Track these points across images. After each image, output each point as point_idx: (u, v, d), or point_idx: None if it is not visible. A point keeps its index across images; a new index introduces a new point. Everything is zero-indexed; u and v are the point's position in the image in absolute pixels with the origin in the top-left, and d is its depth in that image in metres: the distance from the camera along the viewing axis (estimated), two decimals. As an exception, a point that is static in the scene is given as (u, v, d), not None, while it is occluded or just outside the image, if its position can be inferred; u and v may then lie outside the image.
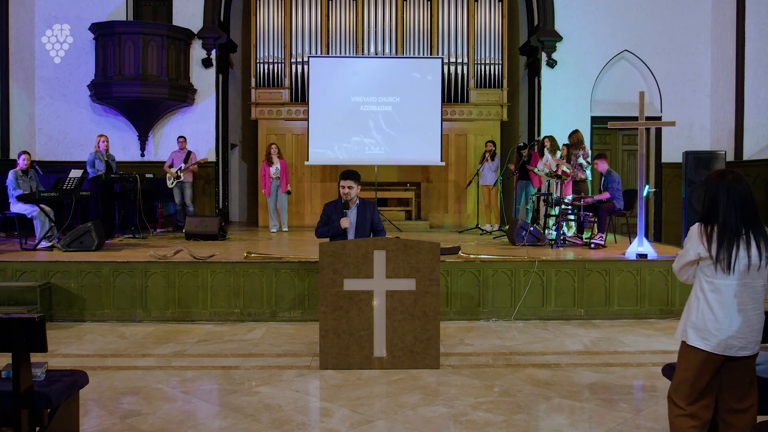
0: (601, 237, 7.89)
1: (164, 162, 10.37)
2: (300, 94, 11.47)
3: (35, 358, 3.10)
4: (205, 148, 11.04)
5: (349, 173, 5.48)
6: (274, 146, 10.08)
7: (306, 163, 11.14)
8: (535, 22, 11.61)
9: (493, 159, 10.52)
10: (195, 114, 11.18)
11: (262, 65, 11.52)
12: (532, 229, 7.89)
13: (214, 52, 11.20)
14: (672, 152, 11.12)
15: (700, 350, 2.79)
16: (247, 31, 12.24)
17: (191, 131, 10.88)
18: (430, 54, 11.49)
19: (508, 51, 11.80)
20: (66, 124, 10.98)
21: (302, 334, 5.84)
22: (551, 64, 11.19)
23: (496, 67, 11.58)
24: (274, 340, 5.62)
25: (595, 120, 11.21)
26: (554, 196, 8.57)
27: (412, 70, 11.05)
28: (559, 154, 9.37)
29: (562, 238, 7.91)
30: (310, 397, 4.22)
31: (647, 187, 7.60)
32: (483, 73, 11.59)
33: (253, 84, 11.57)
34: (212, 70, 11.24)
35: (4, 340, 2.91)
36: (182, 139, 10.39)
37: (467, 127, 11.70)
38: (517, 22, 12.71)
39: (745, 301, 2.74)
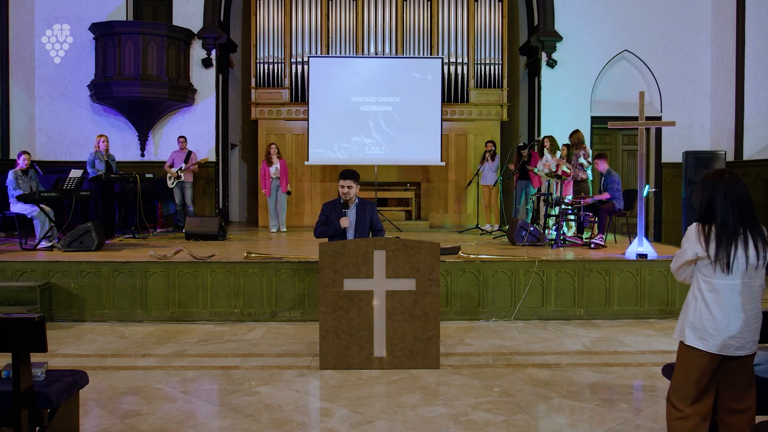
0: (601, 237, 7.89)
1: (164, 162, 10.37)
2: (300, 94, 11.47)
3: (35, 358, 3.10)
4: (205, 148, 11.04)
5: (349, 173, 5.48)
6: (273, 146, 10.07)
7: (306, 163, 11.14)
8: (535, 22, 11.61)
9: (493, 159, 10.52)
10: (195, 114, 11.19)
11: (262, 65, 11.53)
12: (532, 229, 7.89)
13: (214, 52, 11.21)
14: (672, 152, 11.13)
15: (697, 350, 2.79)
16: (247, 31, 12.24)
17: (191, 131, 10.88)
18: (430, 54, 11.49)
19: (508, 51, 11.80)
20: (66, 124, 10.98)
21: (302, 334, 5.84)
22: (551, 64, 11.19)
23: (496, 67, 11.59)
24: (274, 340, 5.62)
25: (595, 120, 11.21)
26: (554, 196, 8.56)
27: (412, 70, 11.05)
28: (558, 154, 9.37)
29: (562, 238, 7.91)
30: (310, 397, 4.22)
31: (647, 187, 7.61)
32: (483, 73, 11.59)
33: (253, 84, 11.57)
34: (212, 70, 11.24)
35: (4, 340, 2.91)
36: (183, 139, 10.39)
37: (467, 127, 11.70)
38: (517, 22, 12.71)
39: (743, 300, 2.74)
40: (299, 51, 11.49)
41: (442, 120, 11.06)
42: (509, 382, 4.45)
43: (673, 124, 7.73)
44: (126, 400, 4.10)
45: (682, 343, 2.87)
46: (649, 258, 6.63)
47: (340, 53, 11.46)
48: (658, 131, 11.33)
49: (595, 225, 8.18)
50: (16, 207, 7.74)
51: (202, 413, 3.91)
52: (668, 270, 6.42)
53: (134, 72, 10.38)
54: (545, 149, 9.55)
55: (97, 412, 3.89)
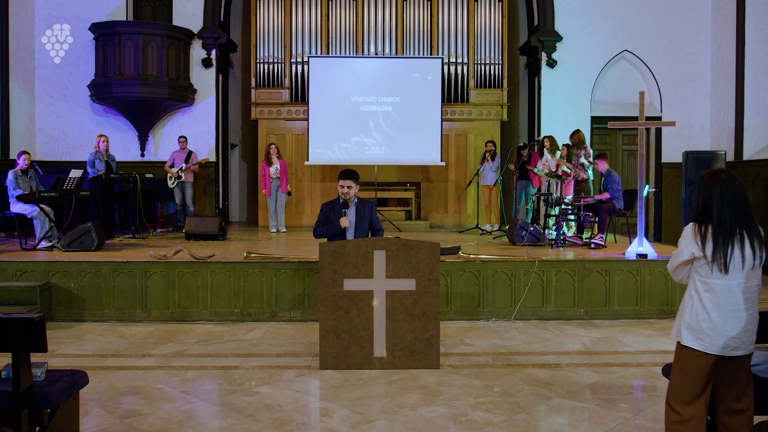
0: (601, 237, 7.89)
1: (164, 162, 10.37)
2: (300, 94, 11.47)
3: (35, 358, 3.10)
4: (205, 148, 11.04)
5: (348, 173, 5.48)
6: (273, 146, 10.07)
7: (306, 163, 11.15)
8: (535, 22, 11.61)
9: (493, 159, 10.53)
10: (195, 114, 11.18)
11: (262, 65, 11.53)
12: (532, 229, 7.89)
13: (214, 52, 11.20)
14: (672, 152, 11.12)
15: (694, 350, 2.79)
16: (247, 31, 12.24)
17: (191, 131, 10.88)
18: (430, 54, 11.49)
19: (508, 51, 11.80)
20: (66, 124, 10.98)
21: (302, 334, 5.84)
22: (551, 64, 11.19)
23: (496, 67, 11.59)
24: (274, 340, 5.62)
25: (595, 120, 11.21)
26: (554, 196, 8.56)
27: (412, 70, 11.05)
28: (558, 154, 9.37)
29: (562, 238, 7.91)
30: (310, 397, 4.22)
31: (647, 187, 7.61)
32: (483, 73, 11.59)
33: (253, 84, 11.57)
34: (212, 70, 11.24)
35: (4, 340, 2.91)
36: (183, 139, 10.40)
37: (467, 127, 11.70)
38: (517, 22, 12.71)
39: (739, 301, 2.74)
40: (299, 51, 11.49)
41: (442, 120, 11.06)
42: (509, 382, 4.45)
43: (673, 124, 7.73)
44: (126, 400, 4.10)
45: (679, 343, 2.87)
46: (649, 258, 6.63)
47: (340, 53, 11.46)
48: (658, 131, 11.33)
49: (595, 225, 8.18)
50: (16, 207, 7.74)
51: (202, 413, 3.91)
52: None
53: (134, 72, 10.38)
54: (545, 149, 9.56)
55: (97, 412, 3.89)
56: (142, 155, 11.03)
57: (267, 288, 6.37)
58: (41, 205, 7.66)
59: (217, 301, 6.38)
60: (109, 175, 8.73)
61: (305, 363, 4.91)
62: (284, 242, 8.75)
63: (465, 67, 11.56)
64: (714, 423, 2.93)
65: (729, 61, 10.50)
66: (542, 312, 6.45)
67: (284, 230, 10.15)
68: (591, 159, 9.00)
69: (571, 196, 8.59)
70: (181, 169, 10.10)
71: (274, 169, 9.96)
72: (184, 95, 10.88)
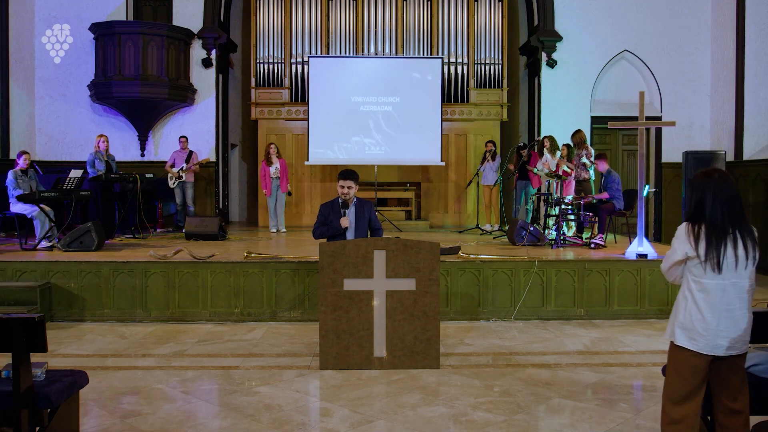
0: (601, 237, 7.89)
1: (164, 162, 10.37)
2: (300, 94, 11.47)
3: (35, 358, 3.10)
4: (205, 148, 11.03)
5: (348, 173, 5.48)
6: (273, 146, 10.07)
7: (306, 163, 11.15)
8: (535, 22, 11.61)
9: (493, 159, 10.53)
10: (195, 114, 11.18)
11: (262, 65, 11.53)
12: (532, 229, 7.89)
13: (214, 52, 11.20)
14: (672, 152, 11.12)
15: (687, 350, 2.80)
16: (247, 31, 12.24)
17: (191, 131, 10.87)
18: (430, 54, 11.49)
19: (508, 51, 11.80)
20: (66, 124, 10.98)
21: (302, 334, 5.84)
22: (551, 64, 11.19)
23: (496, 67, 11.59)
24: (274, 340, 5.62)
25: (595, 120, 11.21)
26: (554, 196, 8.57)
27: (412, 70, 11.05)
28: (558, 154, 9.37)
29: (562, 238, 7.91)
30: (310, 397, 4.22)
31: (647, 187, 7.61)
32: (483, 73, 11.59)
33: (253, 84, 11.57)
34: (212, 70, 11.24)
35: (4, 340, 2.91)
36: (184, 139, 10.40)
37: (467, 127, 11.70)
38: (517, 22, 12.71)
39: (732, 300, 2.74)
40: (299, 51, 11.49)
41: (442, 120, 11.06)
42: (509, 382, 4.45)
43: (673, 124, 7.73)
44: (126, 400, 4.10)
45: (672, 343, 2.87)
46: (649, 258, 6.63)
47: (340, 53, 11.46)
48: (658, 131, 11.32)
49: (595, 225, 8.19)
50: (16, 207, 7.74)
51: (202, 413, 3.91)
52: (668, 270, 6.41)
53: (134, 72, 10.38)
54: (545, 149, 9.55)
55: (97, 412, 3.89)
56: (142, 155, 11.03)
57: (267, 288, 6.37)
58: (41, 205, 7.66)
59: (217, 301, 6.38)
60: (109, 175, 8.73)
61: (305, 363, 4.91)
62: (284, 242, 8.75)
63: (465, 67, 11.56)
64: (713, 424, 2.93)
65: (729, 61, 10.50)
66: (542, 312, 6.45)
67: (284, 230, 10.15)
68: (592, 159, 9.00)
69: (571, 196, 8.58)
70: (181, 169, 10.10)
71: (274, 168, 9.96)
72: (184, 95, 10.88)
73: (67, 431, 3.24)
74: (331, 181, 11.47)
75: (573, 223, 8.52)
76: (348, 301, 4.73)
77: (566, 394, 4.24)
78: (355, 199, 5.53)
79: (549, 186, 9.03)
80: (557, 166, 9.10)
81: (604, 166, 8.37)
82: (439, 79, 10.98)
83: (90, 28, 10.62)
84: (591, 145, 11.02)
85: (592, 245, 7.57)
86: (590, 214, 8.04)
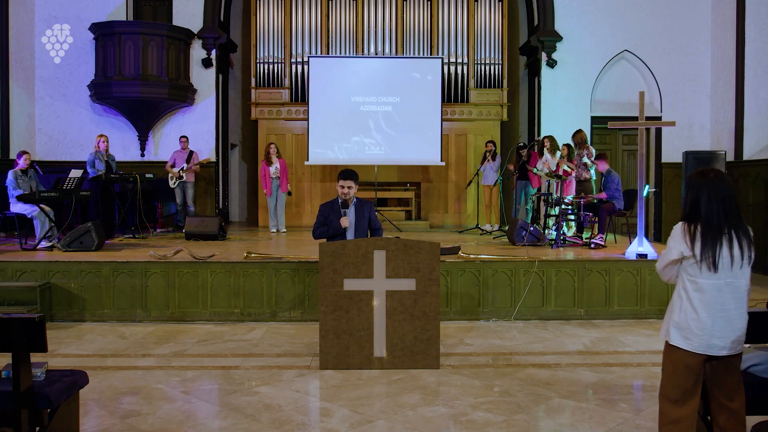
0: (601, 237, 7.89)
1: (164, 162, 10.37)
2: (300, 94, 11.47)
3: (35, 358, 3.10)
4: (205, 148, 11.03)
5: (348, 173, 5.48)
6: (272, 146, 10.07)
7: (306, 163, 11.15)
8: (535, 22, 11.61)
9: (494, 159, 10.52)
10: (195, 114, 11.18)
11: (262, 65, 11.53)
12: (532, 229, 7.89)
13: (214, 52, 11.20)
14: (672, 152, 11.12)
15: (681, 350, 2.80)
16: (247, 31, 12.24)
17: (191, 131, 10.87)
18: (430, 54, 11.49)
19: (508, 51, 11.80)
20: (66, 124, 10.98)
21: (302, 334, 5.84)
22: (551, 64, 11.19)
23: (496, 67, 11.59)
24: (274, 340, 5.62)
25: (595, 120, 11.20)
26: (554, 196, 8.57)
27: (412, 70, 11.05)
28: (558, 154, 9.37)
29: (562, 238, 7.91)
30: (310, 397, 4.22)
31: (647, 187, 7.61)
32: (483, 73, 11.59)
33: (253, 84, 11.57)
34: (212, 70, 11.24)
35: (4, 340, 2.91)
36: (184, 139, 10.40)
37: (467, 127, 11.70)
38: (517, 22, 12.71)
39: (728, 300, 2.74)
40: (299, 51, 11.49)
41: (442, 120, 11.06)
42: (509, 382, 4.45)
43: (673, 124, 7.73)
44: (126, 400, 4.10)
45: (667, 343, 2.88)
46: (649, 258, 6.62)
47: (340, 53, 11.46)
48: (658, 131, 11.32)
49: (595, 225, 8.19)
50: (16, 207, 7.74)
51: (202, 413, 3.91)
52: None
53: (134, 72, 10.38)
54: (545, 149, 9.56)
55: (97, 412, 3.89)
56: (142, 155, 11.03)
57: (267, 288, 6.37)
58: (41, 205, 7.66)
59: (217, 301, 6.38)
60: (109, 175, 8.73)
61: (305, 363, 4.91)
62: (284, 242, 8.75)
63: (465, 67, 11.56)
64: (709, 423, 2.93)
65: (729, 61, 10.50)
66: (542, 312, 6.45)
67: (284, 230, 10.14)
68: (593, 159, 9.00)
69: (572, 196, 8.59)
70: (182, 169, 10.10)
71: (274, 168, 9.96)
72: (184, 95, 10.88)
73: (67, 431, 3.24)
74: (331, 181, 11.47)
75: (573, 223, 8.52)
76: (348, 301, 4.73)
77: (566, 394, 4.24)
78: (355, 199, 5.53)
79: (549, 186, 9.03)
80: (557, 165, 9.10)
81: (604, 166, 8.37)
82: (439, 79, 10.98)
83: (90, 28, 10.62)
84: (591, 145, 11.03)
85: (592, 245, 7.57)
86: (590, 214, 8.04)
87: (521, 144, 10.74)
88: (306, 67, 11.28)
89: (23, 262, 6.51)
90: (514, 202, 10.81)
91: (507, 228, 8.88)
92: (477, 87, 11.60)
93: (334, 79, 10.96)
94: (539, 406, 4.01)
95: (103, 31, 10.46)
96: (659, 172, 11.40)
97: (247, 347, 5.40)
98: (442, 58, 11.21)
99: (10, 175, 7.72)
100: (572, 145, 9.28)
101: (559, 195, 8.67)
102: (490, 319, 6.40)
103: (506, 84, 11.62)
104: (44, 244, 7.60)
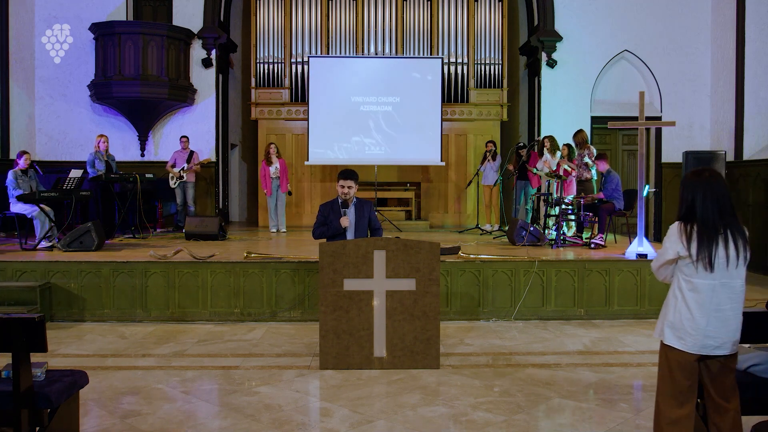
0: (601, 237, 7.89)
1: (164, 162, 10.37)
2: (300, 94, 11.47)
3: (35, 358, 3.10)
4: (205, 148, 11.03)
5: (348, 173, 5.48)
6: (272, 146, 10.07)
7: (306, 163, 11.15)
8: (535, 22, 11.61)
9: (494, 159, 10.52)
10: (195, 114, 11.18)
11: (262, 65, 11.53)
12: (532, 229, 7.89)
13: (214, 52, 11.20)
14: (672, 152, 11.12)
15: (675, 349, 2.80)
16: (247, 31, 12.24)
17: (191, 131, 10.87)
18: (430, 54, 11.49)
19: (508, 51, 11.80)
20: (66, 124, 10.98)
21: (302, 334, 5.84)
22: (551, 64, 11.19)
23: (496, 67, 11.59)
24: (274, 340, 5.62)
25: (595, 120, 11.20)
26: (554, 196, 8.57)
27: (412, 70, 11.05)
28: (559, 154, 9.37)
29: (562, 238, 7.91)
30: (310, 397, 4.22)
31: (647, 187, 7.61)
32: (483, 73, 11.59)
33: (253, 84, 11.57)
34: (212, 70, 11.24)
35: (4, 340, 2.91)
36: (185, 139, 10.40)
37: (467, 127, 11.70)
38: (517, 22, 12.71)
39: (723, 300, 2.74)
40: (299, 51, 11.49)
41: (442, 120, 11.06)
42: (509, 382, 4.45)
43: (673, 124, 7.73)
44: (126, 400, 4.10)
45: (662, 342, 2.88)
46: (649, 258, 6.62)
47: (340, 53, 11.46)
48: (658, 131, 11.32)
49: (595, 225, 8.19)
50: (16, 207, 7.74)
51: (202, 413, 3.91)
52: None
53: (134, 72, 10.38)
54: (545, 149, 9.55)
55: (97, 412, 3.89)
56: (142, 155, 11.03)
57: (267, 288, 6.37)
58: (41, 205, 7.66)
59: (217, 301, 6.39)
60: (109, 175, 8.73)
61: (305, 363, 4.91)
62: (284, 242, 8.75)
63: (465, 67, 11.56)
64: (706, 423, 2.93)
65: (729, 61, 10.50)
66: (542, 312, 6.45)
67: (284, 230, 10.14)
68: (594, 159, 9.00)
69: (572, 196, 8.59)
70: (183, 169, 10.10)
71: (274, 168, 9.96)
72: (184, 95, 10.88)
73: (67, 431, 3.24)
74: (331, 181, 11.47)
75: (573, 223, 8.52)
76: (348, 301, 4.73)
77: (566, 394, 4.24)
78: (355, 199, 5.53)
79: (549, 186, 9.03)
80: (558, 165, 9.10)
81: (604, 166, 8.37)
82: (439, 79, 10.98)
83: (90, 28, 10.62)
84: (591, 144, 11.03)
85: (592, 245, 7.57)
86: (590, 214, 8.04)
87: (521, 144, 10.74)
88: (306, 67, 11.28)
89: (23, 262, 6.51)
90: (514, 202, 10.81)
91: (507, 228, 8.88)
92: (477, 87, 11.60)
93: (334, 79, 10.96)
94: (539, 406, 4.01)
95: (103, 31, 10.46)
96: (659, 172, 11.40)
97: (247, 347, 5.40)
98: (442, 58, 11.21)
99: (10, 175, 7.72)
100: (572, 145, 9.28)
101: (558, 195, 8.67)
102: (490, 319, 6.40)
103: (506, 84, 11.62)
104: (44, 244, 7.60)
